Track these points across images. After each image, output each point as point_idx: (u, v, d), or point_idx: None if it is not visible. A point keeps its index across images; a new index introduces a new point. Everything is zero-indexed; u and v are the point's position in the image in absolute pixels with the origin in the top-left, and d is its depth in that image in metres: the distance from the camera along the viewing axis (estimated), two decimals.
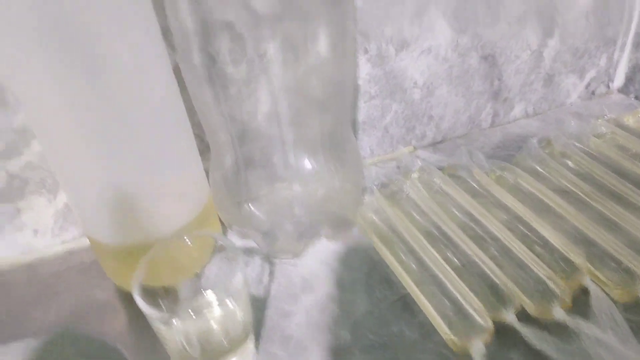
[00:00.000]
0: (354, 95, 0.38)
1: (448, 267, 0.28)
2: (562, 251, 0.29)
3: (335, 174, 0.33)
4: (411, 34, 0.36)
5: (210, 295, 0.27)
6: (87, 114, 0.23)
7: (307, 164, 0.32)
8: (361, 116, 0.39)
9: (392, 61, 0.37)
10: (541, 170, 0.37)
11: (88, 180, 0.25)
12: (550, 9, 0.41)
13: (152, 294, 0.25)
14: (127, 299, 0.30)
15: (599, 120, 0.43)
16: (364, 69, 0.37)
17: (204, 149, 0.33)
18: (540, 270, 0.27)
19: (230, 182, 0.32)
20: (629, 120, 0.43)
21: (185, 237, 0.25)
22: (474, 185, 0.36)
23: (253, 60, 0.27)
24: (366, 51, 0.36)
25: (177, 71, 0.28)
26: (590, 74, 0.48)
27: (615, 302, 0.26)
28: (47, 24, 0.20)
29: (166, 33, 0.29)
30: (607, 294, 0.27)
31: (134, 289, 0.22)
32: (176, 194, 0.28)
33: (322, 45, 0.27)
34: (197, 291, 0.29)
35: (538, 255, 0.28)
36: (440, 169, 0.39)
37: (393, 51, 0.37)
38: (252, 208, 0.33)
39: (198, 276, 0.30)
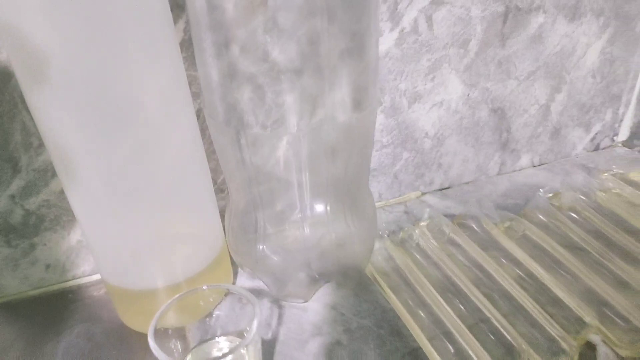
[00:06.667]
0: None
1: (462, 324, 0.28)
2: (574, 310, 0.29)
3: (349, 221, 0.33)
4: (424, 88, 0.38)
5: (222, 341, 0.27)
6: (113, 158, 0.23)
7: (321, 209, 0.33)
8: (372, 164, 0.40)
9: (404, 113, 0.38)
10: (550, 224, 0.37)
11: (110, 225, 0.25)
12: (559, 68, 0.43)
13: (163, 336, 0.26)
14: (133, 336, 0.30)
15: (605, 174, 0.43)
16: (378, 120, 0.38)
17: (215, 191, 0.33)
18: (553, 330, 0.27)
19: (245, 224, 0.32)
20: (636, 177, 0.43)
21: (204, 287, 0.25)
22: (484, 236, 0.36)
23: (271, 109, 0.28)
24: (380, 103, 0.37)
25: (198, 116, 0.28)
26: (596, 128, 0.49)
27: (622, 359, 0.26)
28: (81, 73, 0.21)
29: (191, 81, 0.30)
30: (615, 352, 0.27)
31: (150, 337, 0.22)
32: (195, 238, 0.29)
33: (340, 97, 0.28)
34: (207, 333, 0.29)
35: (551, 315, 0.28)
36: (448, 216, 0.40)
37: (406, 103, 0.38)
38: (265, 249, 0.33)
39: (208, 317, 0.30)
